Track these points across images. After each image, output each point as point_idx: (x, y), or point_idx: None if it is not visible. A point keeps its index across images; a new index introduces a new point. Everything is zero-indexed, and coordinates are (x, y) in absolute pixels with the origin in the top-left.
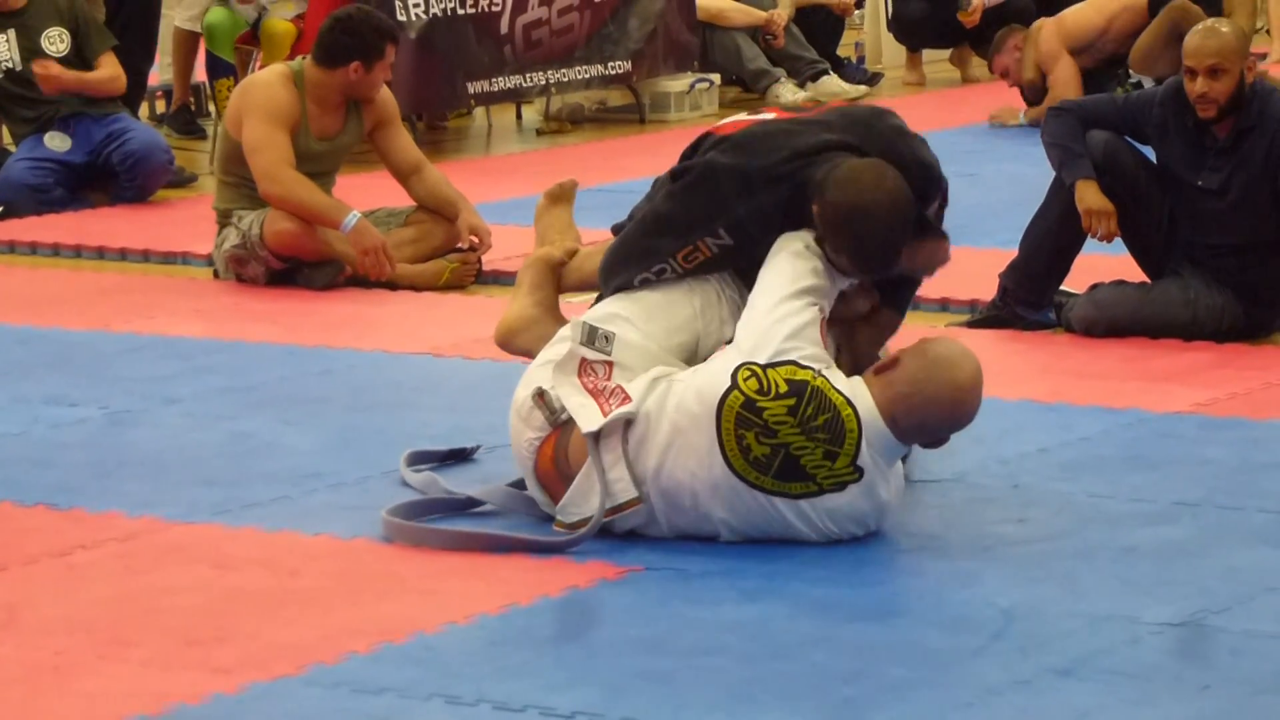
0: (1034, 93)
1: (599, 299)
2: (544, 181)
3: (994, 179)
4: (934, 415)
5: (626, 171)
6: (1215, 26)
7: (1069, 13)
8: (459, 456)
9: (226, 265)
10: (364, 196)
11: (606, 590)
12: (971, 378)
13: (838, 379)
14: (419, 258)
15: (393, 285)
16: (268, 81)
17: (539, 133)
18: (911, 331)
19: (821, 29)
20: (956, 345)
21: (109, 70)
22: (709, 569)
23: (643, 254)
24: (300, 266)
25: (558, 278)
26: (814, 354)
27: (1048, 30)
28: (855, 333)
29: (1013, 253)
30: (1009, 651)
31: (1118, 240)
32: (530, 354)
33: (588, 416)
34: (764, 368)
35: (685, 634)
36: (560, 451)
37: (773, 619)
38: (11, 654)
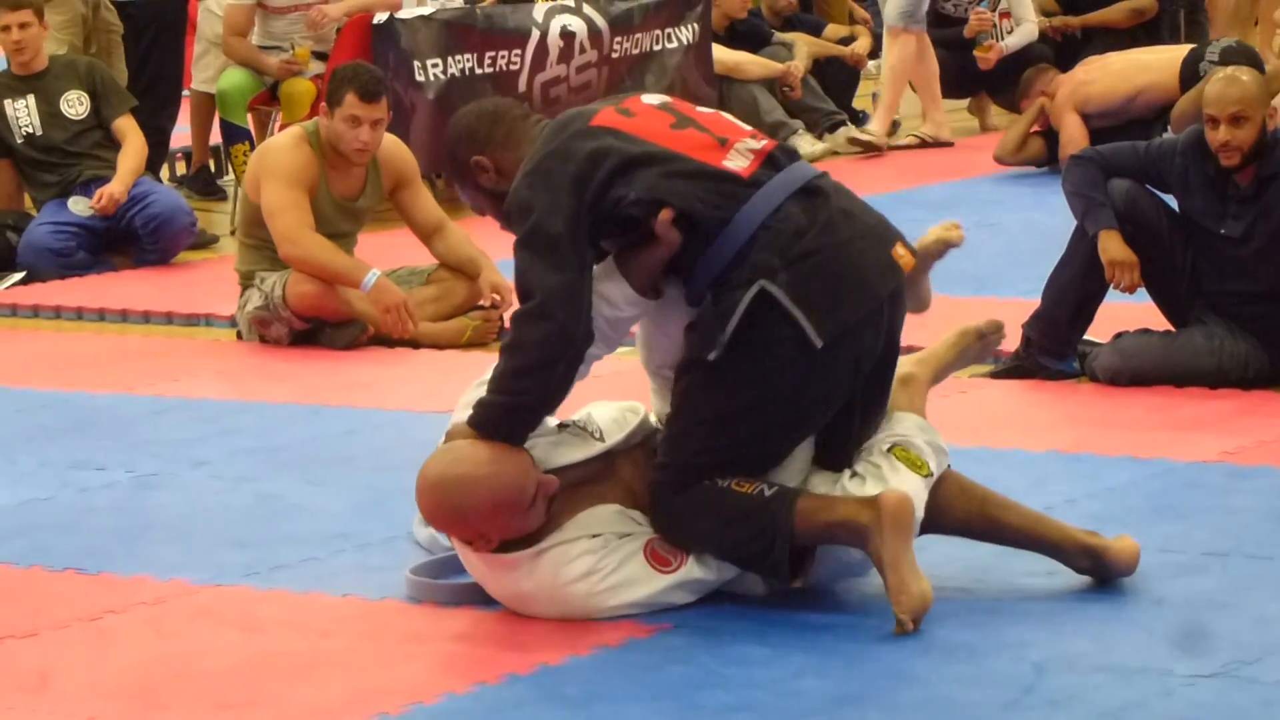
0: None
1: None
2: None
3: (1014, 228)
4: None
5: None
6: (1235, 75)
7: (1095, 82)
8: None
9: (250, 326)
10: (385, 255)
11: (636, 649)
12: (430, 475)
13: None
14: (441, 316)
15: (415, 344)
16: (284, 144)
17: None
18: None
19: (837, 80)
20: (454, 447)
21: (134, 145)
22: (739, 626)
23: None
24: (323, 327)
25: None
26: None
27: (1062, 93)
28: None
29: (1035, 302)
30: (1040, 705)
31: (1141, 289)
32: None
33: None
34: None
35: (715, 692)
36: None
37: (803, 676)
38: None
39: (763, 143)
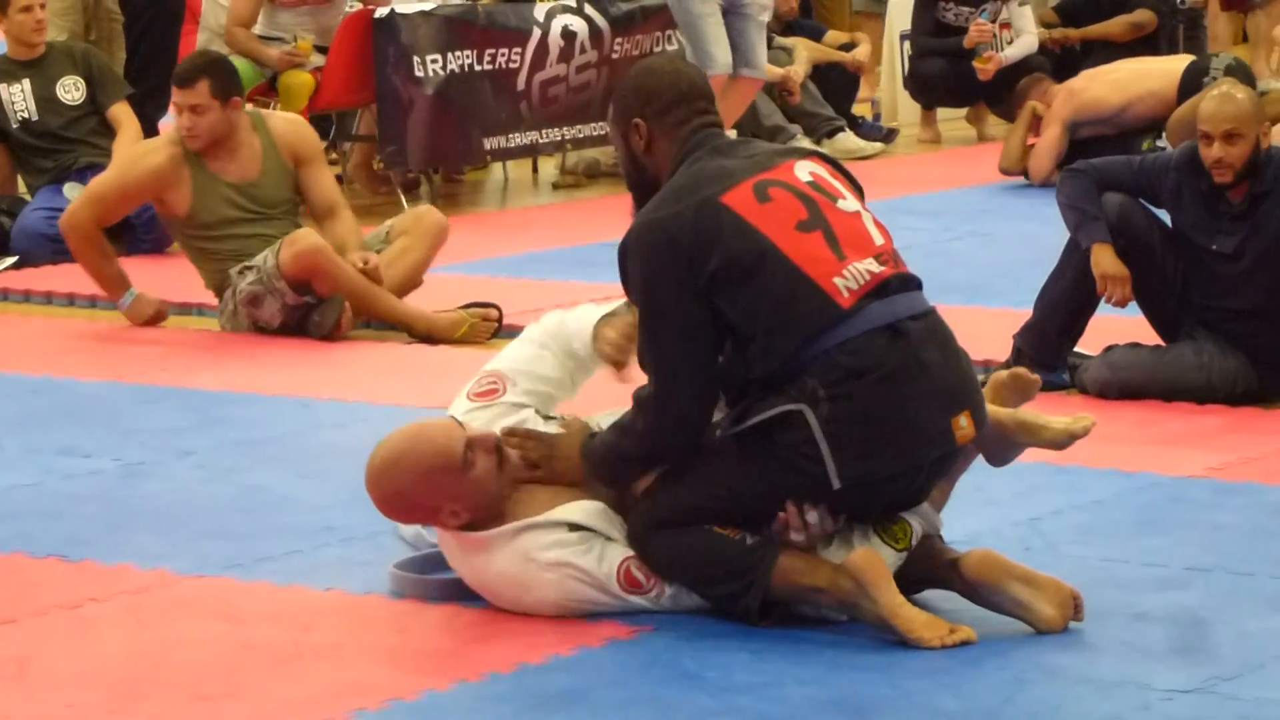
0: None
1: None
2: (560, 236)
3: (1008, 238)
4: None
5: None
6: (1230, 92)
7: (1087, 89)
8: None
9: (238, 312)
10: None
11: (618, 650)
12: (367, 475)
13: None
14: (408, 272)
15: (410, 334)
16: (137, 154)
17: (555, 187)
18: None
19: (837, 86)
20: (405, 430)
21: (129, 133)
22: (721, 630)
23: None
24: (309, 314)
25: None
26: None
27: (1058, 102)
28: None
29: (1026, 313)
30: (1020, 717)
31: (1132, 303)
32: None
33: None
34: None
35: (696, 695)
36: None
37: (784, 681)
38: (22, 707)
39: (884, 266)
